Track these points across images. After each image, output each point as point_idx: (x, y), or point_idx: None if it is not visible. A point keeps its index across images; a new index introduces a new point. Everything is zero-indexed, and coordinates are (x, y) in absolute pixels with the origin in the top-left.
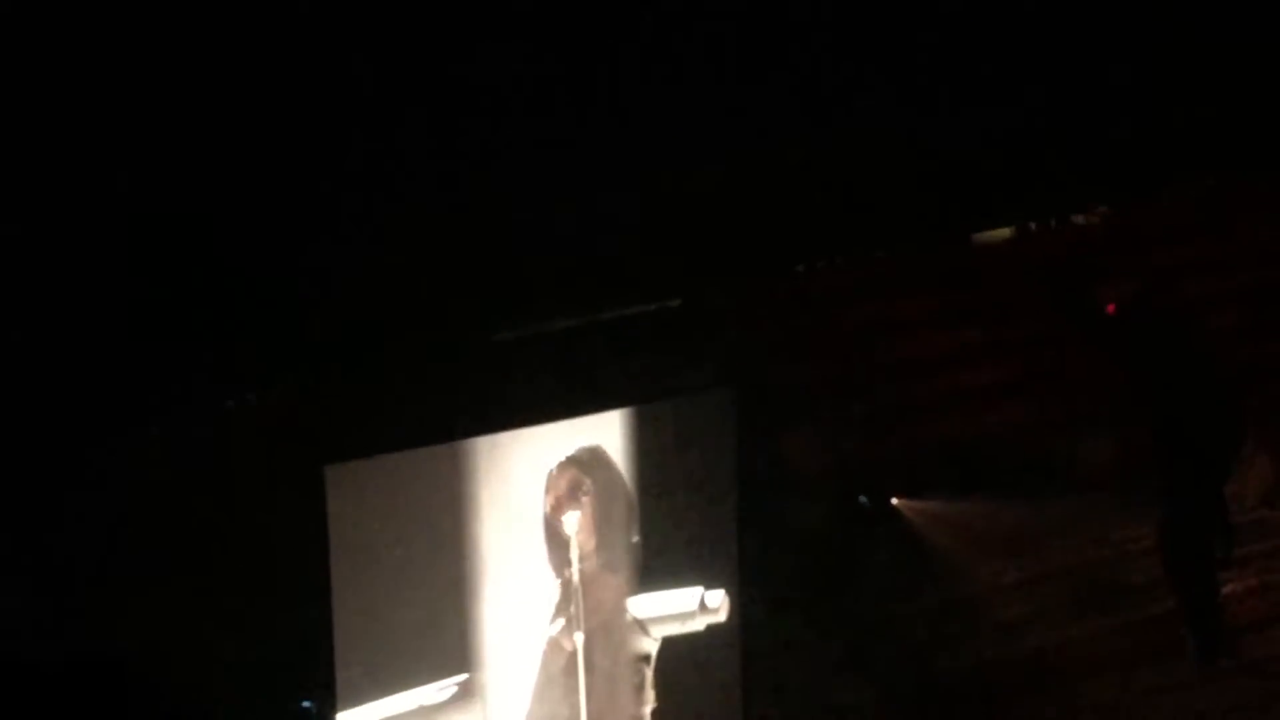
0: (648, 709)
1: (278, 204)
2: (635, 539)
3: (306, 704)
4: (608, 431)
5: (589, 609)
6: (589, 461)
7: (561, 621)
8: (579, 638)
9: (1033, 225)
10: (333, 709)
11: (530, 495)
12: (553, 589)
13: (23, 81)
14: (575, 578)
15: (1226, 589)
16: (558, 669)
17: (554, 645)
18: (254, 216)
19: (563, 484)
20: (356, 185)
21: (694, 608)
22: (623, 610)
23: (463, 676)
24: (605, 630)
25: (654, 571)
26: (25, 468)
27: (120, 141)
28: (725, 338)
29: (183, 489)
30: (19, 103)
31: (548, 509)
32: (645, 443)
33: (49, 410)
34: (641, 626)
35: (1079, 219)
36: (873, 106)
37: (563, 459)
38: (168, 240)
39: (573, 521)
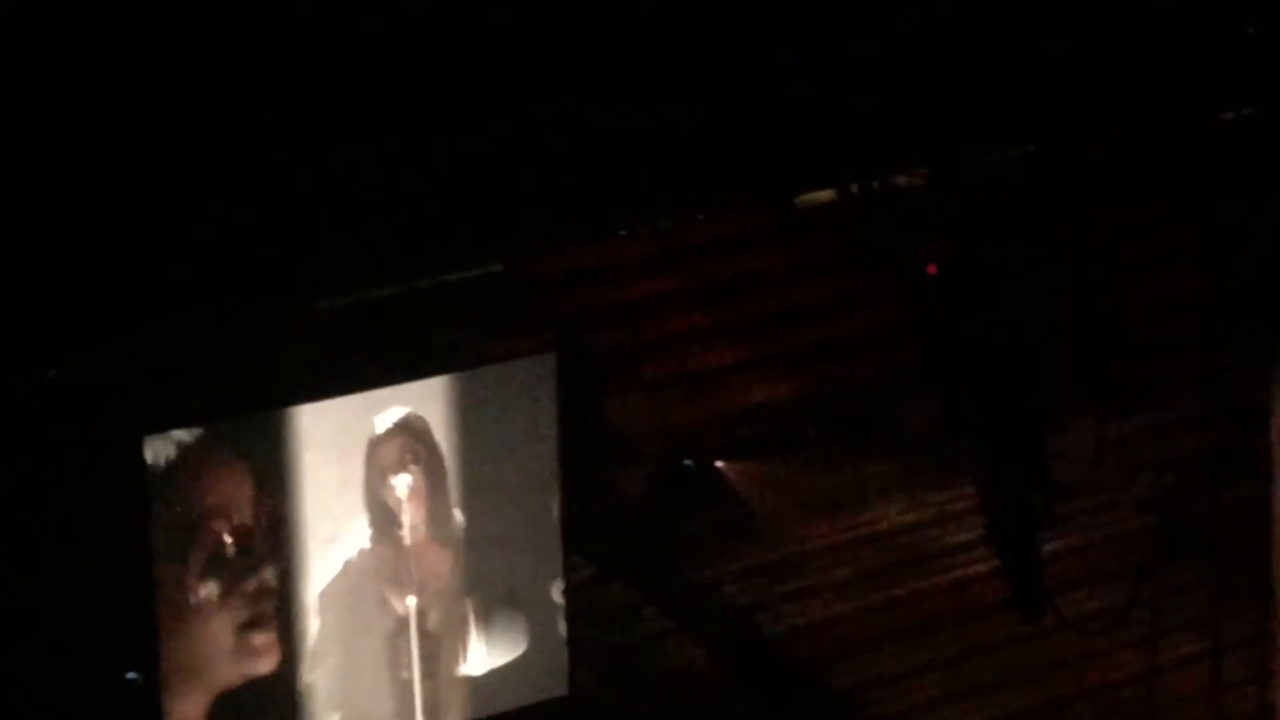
0: (475, 671)
1: (103, 171)
2: (457, 508)
3: (132, 675)
4: (429, 399)
5: (419, 574)
6: (418, 428)
7: (391, 587)
8: (411, 602)
9: (854, 187)
10: (158, 681)
11: (353, 464)
12: (378, 556)
13: None
14: (406, 540)
15: (1049, 547)
16: (387, 633)
17: (383, 610)
18: (78, 186)
19: (391, 450)
20: (179, 153)
21: None
22: (451, 575)
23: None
24: (435, 595)
25: (477, 541)
26: None
27: None
28: (546, 303)
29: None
30: None
31: (375, 475)
32: (466, 410)
33: None
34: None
35: (900, 180)
36: (698, 56)
37: (390, 425)
38: None
39: (403, 485)
